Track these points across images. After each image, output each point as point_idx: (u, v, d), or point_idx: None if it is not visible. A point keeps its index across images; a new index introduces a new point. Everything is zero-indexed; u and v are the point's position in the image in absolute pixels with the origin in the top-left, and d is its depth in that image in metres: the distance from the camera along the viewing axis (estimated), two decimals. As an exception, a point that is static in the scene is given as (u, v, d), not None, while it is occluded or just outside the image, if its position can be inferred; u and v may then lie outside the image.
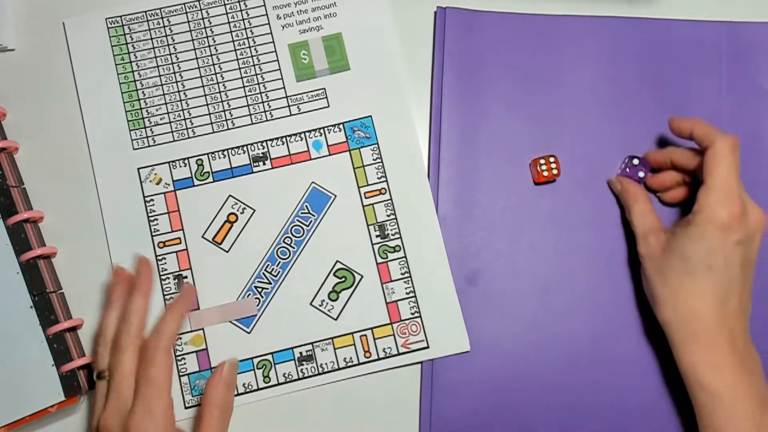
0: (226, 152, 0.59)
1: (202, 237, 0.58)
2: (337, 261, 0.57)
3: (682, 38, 0.60)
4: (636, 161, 0.57)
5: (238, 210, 0.58)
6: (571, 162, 0.58)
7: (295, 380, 0.56)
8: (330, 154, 0.59)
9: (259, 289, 0.57)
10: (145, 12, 0.60)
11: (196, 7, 0.60)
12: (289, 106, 0.59)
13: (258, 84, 0.60)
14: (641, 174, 0.57)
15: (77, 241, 0.57)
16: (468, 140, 0.59)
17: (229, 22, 0.60)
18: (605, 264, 0.58)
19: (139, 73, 0.59)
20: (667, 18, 0.60)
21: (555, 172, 0.57)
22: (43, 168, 0.58)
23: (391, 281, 0.57)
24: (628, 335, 0.57)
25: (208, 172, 0.58)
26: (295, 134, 0.59)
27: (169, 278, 0.57)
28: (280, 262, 0.57)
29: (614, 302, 0.58)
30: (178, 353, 0.56)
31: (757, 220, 0.50)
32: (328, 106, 0.59)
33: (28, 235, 0.55)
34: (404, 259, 0.58)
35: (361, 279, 0.57)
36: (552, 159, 0.58)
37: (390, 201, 0.58)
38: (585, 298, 0.58)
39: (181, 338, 0.56)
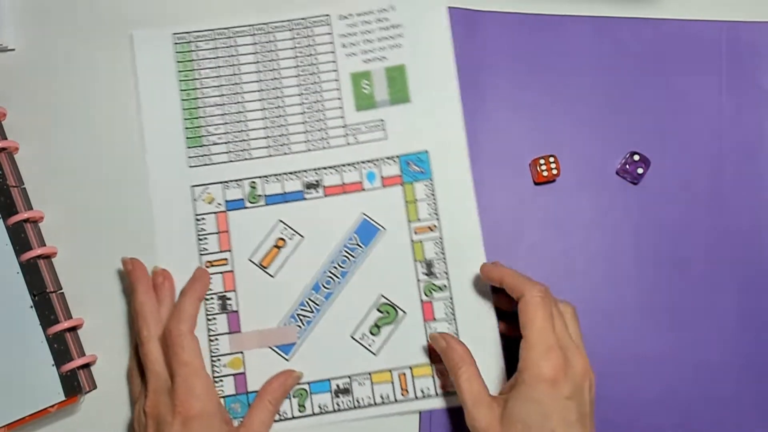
0: (279, 177, 0.58)
1: (249, 260, 0.57)
2: (381, 295, 0.57)
3: (682, 38, 0.60)
4: (636, 157, 0.58)
5: (287, 236, 0.57)
6: (570, 162, 0.58)
7: (330, 412, 0.55)
8: (383, 187, 0.58)
9: (301, 317, 0.56)
10: (213, 30, 0.60)
11: (263, 30, 0.60)
12: (346, 135, 0.59)
13: (318, 111, 0.59)
14: (640, 170, 0.57)
15: (77, 241, 0.57)
16: (468, 140, 0.59)
17: (294, 48, 0.60)
18: (605, 264, 0.58)
19: (202, 91, 0.59)
20: (667, 18, 0.60)
21: (555, 172, 0.57)
22: (43, 168, 0.57)
23: (435, 320, 0.56)
24: (628, 334, 0.57)
25: (261, 196, 0.58)
26: (349, 164, 0.59)
27: (213, 298, 0.57)
28: (324, 291, 0.57)
29: (614, 302, 0.57)
30: (215, 375, 0.55)
31: (582, 369, 0.48)
32: (386, 137, 0.59)
33: (28, 235, 0.55)
34: (450, 299, 0.57)
35: (404, 315, 0.56)
36: (552, 159, 0.57)
37: (440, 239, 0.57)
38: (584, 297, 0.57)
39: (219, 360, 0.56)
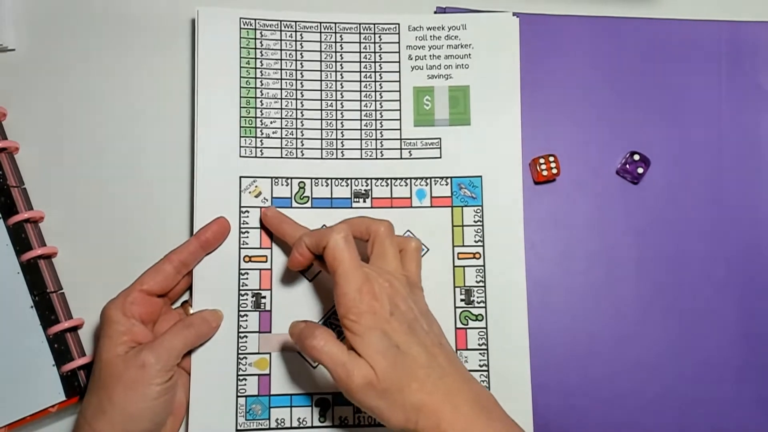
0: (329, 181, 0.57)
1: None
2: None
3: (682, 38, 0.60)
4: (637, 156, 0.58)
5: None
6: (570, 161, 0.59)
7: (351, 426, 0.54)
8: (431, 206, 0.57)
9: (333, 327, 0.55)
10: (280, 21, 0.59)
11: (331, 29, 0.59)
12: (401, 149, 0.58)
13: (375, 120, 0.58)
14: (640, 170, 0.58)
15: (77, 241, 0.57)
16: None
17: (360, 51, 0.59)
18: (605, 263, 0.58)
19: (261, 81, 0.58)
20: (667, 18, 0.61)
21: (555, 171, 0.58)
22: (43, 168, 0.57)
23: (467, 349, 0.56)
24: (628, 335, 0.57)
25: (308, 197, 0.57)
26: (401, 178, 0.58)
27: (247, 294, 0.55)
28: (359, 304, 0.56)
29: (614, 302, 0.58)
30: (240, 373, 0.55)
31: (387, 285, 0.49)
32: (440, 157, 0.58)
33: (28, 235, 0.54)
34: (485, 330, 0.56)
35: None
36: (552, 158, 0.58)
37: (482, 268, 0.57)
38: (584, 297, 0.58)
39: (246, 358, 0.55)
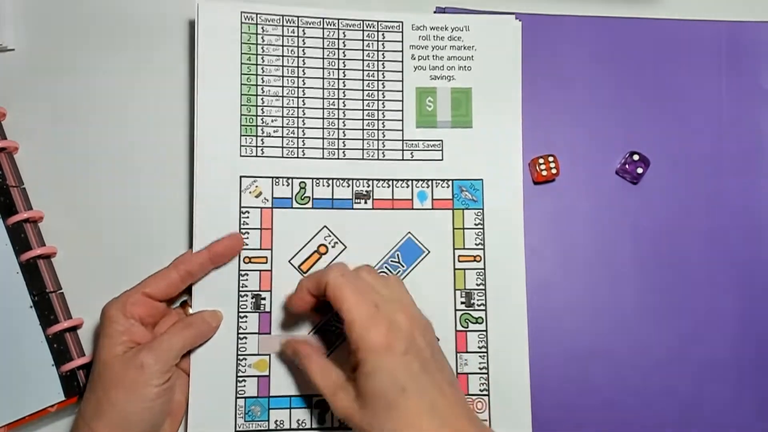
0: (330, 181, 0.57)
1: (289, 262, 0.56)
2: None
3: (682, 38, 0.60)
4: (636, 156, 0.58)
5: (329, 243, 0.56)
6: (570, 161, 0.59)
7: (350, 428, 0.53)
8: (432, 209, 0.57)
9: (333, 329, 0.55)
10: (282, 16, 0.58)
11: (334, 25, 0.58)
12: (403, 150, 0.58)
13: (377, 120, 0.58)
14: (640, 170, 0.58)
15: (77, 241, 0.56)
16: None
17: (363, 49, 0.58)
18: (605, 263, 0.58)
19: (262, 78, 0.57)
20: (667, 18, 0.61)
21: (554, 171, 0.58)
22: (43, 168, 0.57)
23: (467, 352, 0.56)
24: (627, 334, 0.57)
25: (309, 198, 0.56)
26: (402, 180, 0.57)
27: (247, 296, 0.55)
28: (359, 305, 0.56)
29: (614, 302, 0.58)
30: (239, 374, 0.54)
31: (407, 322, 0.48)
32: (442, 159, 0.58)
33: (27, 235, 0.54)
34: (485, 333, 0.56)
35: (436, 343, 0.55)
36: (551, 158, 0.58)
37: (483, 270, 0.57)
38: (584, 297, 0.58)
39: (245, 360, 0.55)
